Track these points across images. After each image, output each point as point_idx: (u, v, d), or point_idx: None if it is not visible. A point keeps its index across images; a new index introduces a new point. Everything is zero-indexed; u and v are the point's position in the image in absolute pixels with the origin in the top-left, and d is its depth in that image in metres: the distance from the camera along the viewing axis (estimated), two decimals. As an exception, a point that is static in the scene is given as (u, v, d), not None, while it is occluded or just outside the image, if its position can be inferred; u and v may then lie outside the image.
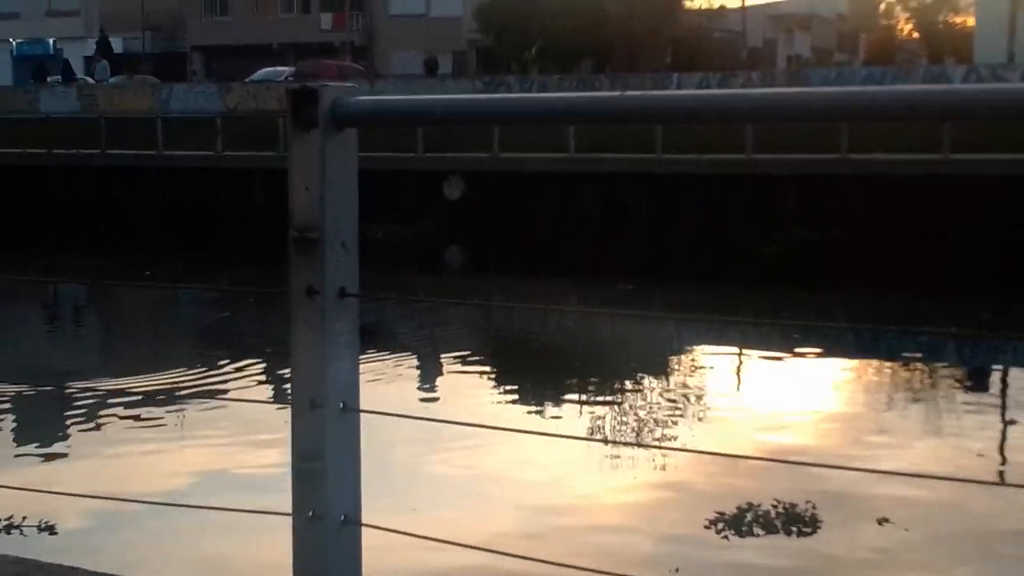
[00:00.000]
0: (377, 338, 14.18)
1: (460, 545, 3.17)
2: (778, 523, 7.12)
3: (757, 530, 7.02)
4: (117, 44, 52.70)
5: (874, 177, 21.17)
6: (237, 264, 20.76)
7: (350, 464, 2.98)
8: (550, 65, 38.68)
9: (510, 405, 11.11)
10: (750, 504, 7.39)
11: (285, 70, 42.88)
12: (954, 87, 2.11)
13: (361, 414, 3.04)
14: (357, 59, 53.42)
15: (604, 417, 10.74)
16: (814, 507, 7.32)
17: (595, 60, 46.36)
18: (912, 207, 20.73)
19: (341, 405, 2.92)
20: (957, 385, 11.83)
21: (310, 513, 2.93)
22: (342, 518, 2.94)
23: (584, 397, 11.52)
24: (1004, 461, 9.02)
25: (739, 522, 7.13)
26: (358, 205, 2.90)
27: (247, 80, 38.41)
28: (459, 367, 13.07)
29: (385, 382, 11.64)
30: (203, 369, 12.32)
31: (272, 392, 10.78)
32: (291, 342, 2.91)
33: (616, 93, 2.41)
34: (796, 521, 7.14)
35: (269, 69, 43.36)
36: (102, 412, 10.38)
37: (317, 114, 2.75)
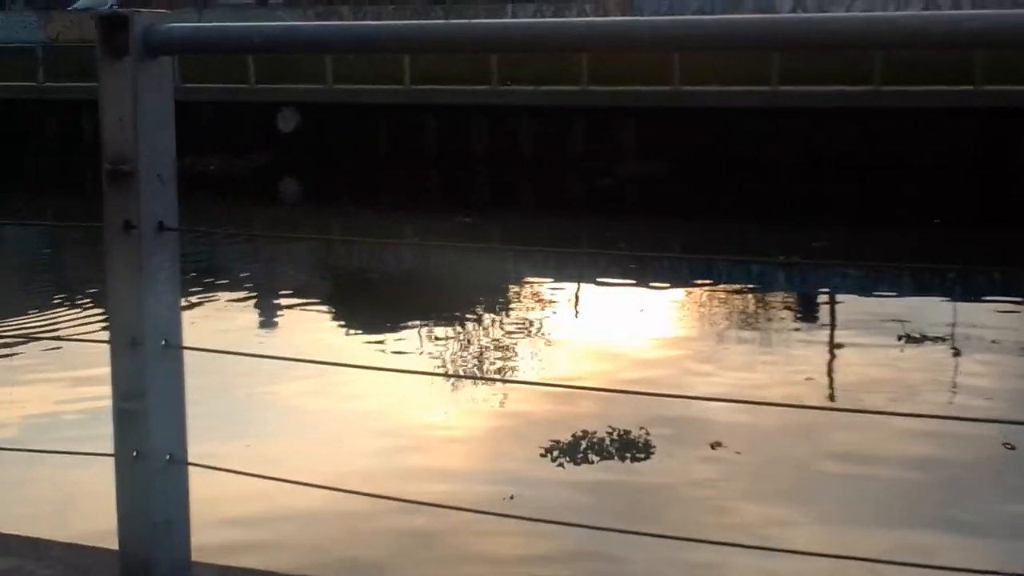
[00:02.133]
0: (211, 275, 13.93)
1: (292, 482, 3.13)
2: (612, 450, 7.24)
3: (592, 457, 7.13)
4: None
5: (705, 110, 21.49)
6: (63, 198, 20.14)
7: (174, 402, 2.91)
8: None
9: (348, 340, 11.04)
10: (585, 432, 7.50)
11: (110, -1, 41.53)
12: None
13: (186, 352, 2.97)
14: (186, -12, 51.88)
15: (444, 350, 10.75)
16: (647, 434, 7.46)
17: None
18: (742, 139, 21.16)
19: (163, 342, 2.84)
20: (788, 313, 12.15)
21: (133, 453, 2.85)
22: (167, 458, 2.88)
23: (423, 331, 11.50)
24: (831, 384, 9.32)
25: (574, 450, 7.23)
26: (175, 136, 2.81)
27: (69, 8, 37.09)
28: (295, 303, 12.92)
29: (218, 319, 11.45)
30: (27, 308, 11.96)
31: (101, 330, 10.52)
32: (107, 279, 2.82)
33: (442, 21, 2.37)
34: (630, 448, 7.27)
35: (93, -3, 41.90)
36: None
37: (128, 42, 2.64)
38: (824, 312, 12.46)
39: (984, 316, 11.49)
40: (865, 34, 2.14)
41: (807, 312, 12.28)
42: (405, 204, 19.79)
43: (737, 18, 2.16)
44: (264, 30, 2.71)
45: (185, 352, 2.93)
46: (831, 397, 8.88)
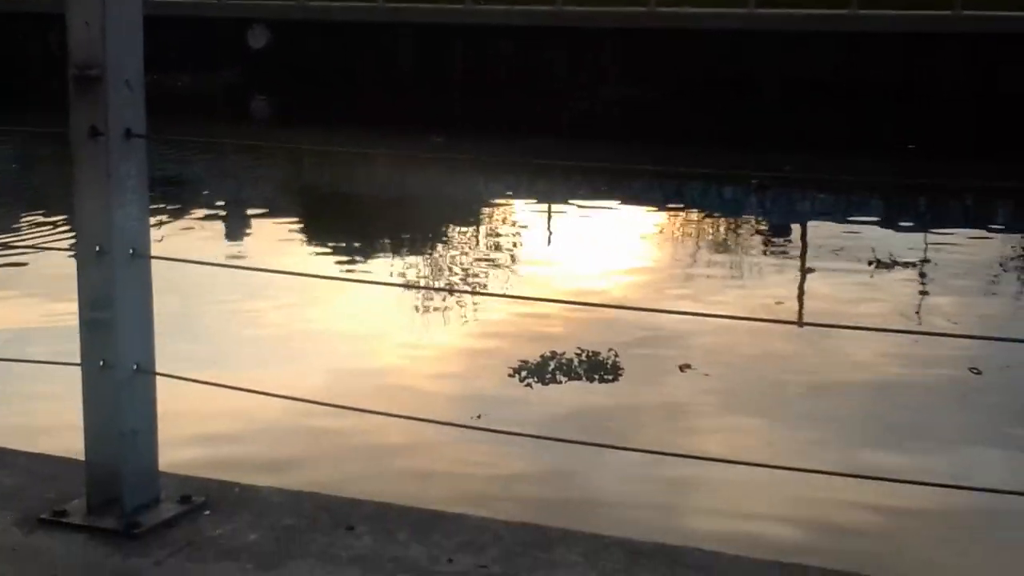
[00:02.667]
0: (179, 187, 13.86)
1: (258, 392, 3.13)
2: (581, 370, 7.26)
3: (560, 377, 7.16)
4: None
5: (686, 32, 21.35)
6: (20, 111, 19.89)
7: (141, 312, 2.89)
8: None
9: (318, 255, 11.02)
10: (554, 352, 7.52)
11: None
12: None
13: (154, 262, 2.94)
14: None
15: (414, 266, 10.77)
16: (617, 355, 7.49)
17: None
18: (719, 61, 21.06)
19: (130, 251, 2.82)
20: (759, 237, 12.18)
21: (100, 362, 2.84)
22: (134, 367, 2.87)
23: (394, 247, 11.52)
24: (801, 307, 9.38)
25: (543, 370, 7.25)
26: (143, 41, 2.77)
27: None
28: (265, 218, 12.87)
29: (186, 232, 11.39)
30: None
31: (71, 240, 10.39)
32: (74, 186, 2.79)
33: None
34: (599, 368, 7.29)
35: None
36: None
37: (95, -60, 2.60)
38: (796, 236, 12.49)
39: (955, 242, 11.57)
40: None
41: (778, 236, 12.32)
42: (379, 123, 19.66)
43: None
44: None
45: (153, 262, 2.91)
46: (799, 316, 8.97)
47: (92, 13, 2.68)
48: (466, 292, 9.79)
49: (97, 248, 2.83)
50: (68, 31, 2.70)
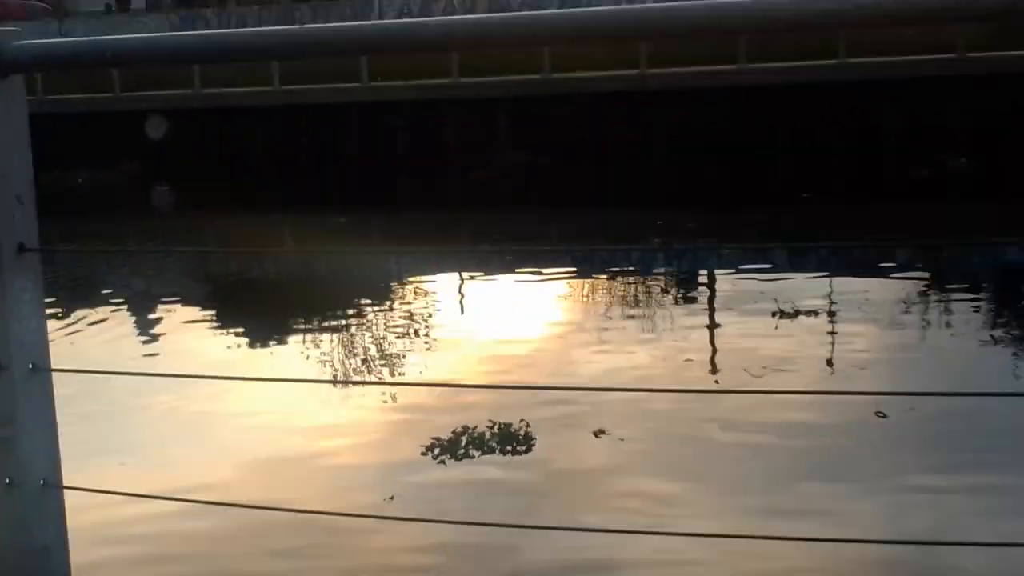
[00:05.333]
0: (83, 290, 13.66)
1: (168, 499, 3.10)
2: (494, 444, 7.26)
3: (473, 451, 7.15)
4: None
5: (576, 96, 21.66)
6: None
7: (45, 426, 2.86)
8: (249, -3, 37.72)
9: (228, 350, 10.87)
10: (465, 428, 7.51)
11: (-36, 11, 40.33)
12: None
13: (55, 373, 2.92)
14: (43, -4, 50.62)
15: (323, 355, 10.64)
16: (528, 425, 7.49)
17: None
18: (614, 123, 21.37)
19: (30, 366, 2.80)
20: (665, 296, 12.31)
21: (6, 480, 2.81)
22: (40, 482, 2.83)
23: (304, 336, 11.41)
24: (714, 368, 9.42)
25: (454, 446, 7.23)
26: (30, 156, 2.76)
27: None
28: (173, 315, 12.70)
29: (93, 336, 11.21)
30: None
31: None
32: (-31, 304, 2.76)
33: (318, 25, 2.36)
34: (511, 440, 7.30)
35: (-53, 10, 40.68)
36: None
37: (-24, 61, 2.59)
38: (701, 293, 12.64)
39: (853, 290, 11.77)
40: (711, 22, 2.18)
41: (684, 294, 12.46)
42: (280, 206, 19.62)
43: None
44: (117, 44, 2.67)
45: (56, 373, 2.89)
46: (712, 375, 9.03)
47: (-23, 132, 2.67)
48: (379, 383, 9.68)
49: (-4, 364, 2.79)
50: (-46, 150, 2.68)
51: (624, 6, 1.85)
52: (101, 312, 12.28)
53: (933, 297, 11.69)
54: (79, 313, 11.84)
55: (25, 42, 2.69)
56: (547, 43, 2.31)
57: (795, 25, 2.11)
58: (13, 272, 2.76)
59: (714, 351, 9.86)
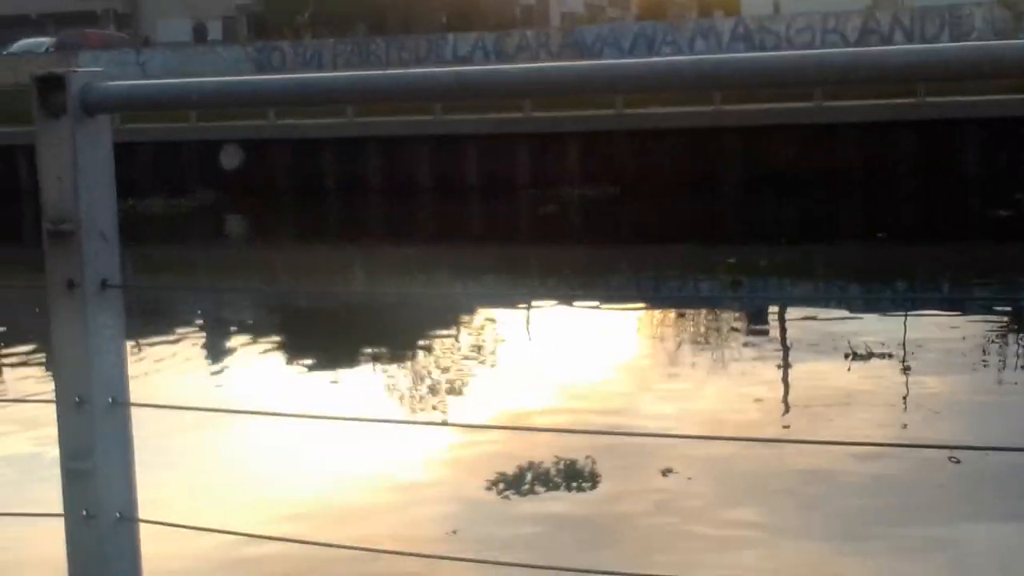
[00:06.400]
0: (159, 324, 13.74)
1: (240, 535, 3.12)
2: (559, 480, 7.23)
3: (537, 488, 7.12)
4: None
5: (646, 132, 21.65)
6: (3, 248, 19.89)
7: (122, 460, 2.89)
8: (323, 30, 38.20)
9: (298, 387, 10.86)
10: (531, 464, 7.48)
11: (45, 41, 41.09)
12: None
13: (134, 408, 2.95)
14: (121, 27, 51.61)
15: (390, 393, 10.62)
16: (594, 462, 7.45)
17: (369, 23, 45.89)
18: (686, 159, 21.33)
19: (110, 400, 2.83)
20: (736, 335, 12.21)
21: (83, 513, 2.84)
22: (117, 516, 2.86)
23: (374, 373, 11.41)
24: (787, 409, 9.27)
25: (519, 483, 7.21)
26: (115, 193, 2.81)
27: (4, 53, 36.85)
28: (245, 350, 12.74)
29: (168, 371, 11.27)
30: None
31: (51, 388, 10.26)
32: (52, 338, 2.81)
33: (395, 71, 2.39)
34: (577, 477, 7.26)
35: (29, 40, 41.49)
36: None
37: (65, 101, 2.63)
38: (773, 332, 12.53)
39: (929, 332, 11.59)
40: (795, 70, 2.18)
41: (755, 333, 12.35)
42: (350, 237, 19.75)
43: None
44: (203, 86, 2.71)
45: (135, 408, 2.92)
46: (782, 419, 8.90)
47: (64, 170, 2.73)
48: (448, 425, 9.62)
49: (76, 399, 2.84)
50: (41, 187, 2.74)
51: (702, 56, 1.83)
52: (176, 345, 12.36)
53: (1012, 340, 11.51)
54: (154, 345, 11.93)
55: (112, 83, 2.74)
56: (625, 93, 2.31)
57: (877, 77, 2.10)
58: (95, 308, 2.80)
59: (783, 393, 9.75)
